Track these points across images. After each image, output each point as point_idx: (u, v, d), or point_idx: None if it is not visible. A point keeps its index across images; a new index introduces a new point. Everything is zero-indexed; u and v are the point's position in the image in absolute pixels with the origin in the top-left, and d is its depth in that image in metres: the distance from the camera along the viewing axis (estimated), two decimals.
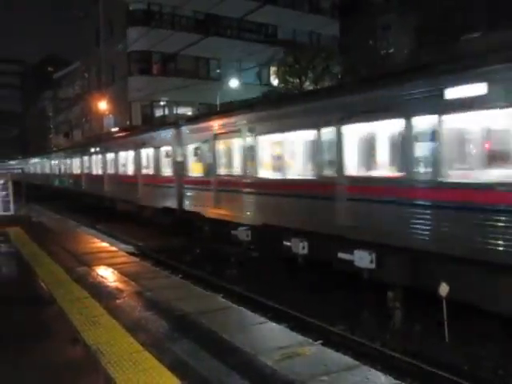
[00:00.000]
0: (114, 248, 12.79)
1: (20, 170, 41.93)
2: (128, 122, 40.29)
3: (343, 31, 45.11)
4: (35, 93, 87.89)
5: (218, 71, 42.18)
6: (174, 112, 38.54)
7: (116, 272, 9.25)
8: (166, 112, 40.03)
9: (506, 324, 7.64)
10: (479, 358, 7.61)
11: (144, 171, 21.39)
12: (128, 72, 41.00)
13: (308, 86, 35.44)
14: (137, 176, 21.85)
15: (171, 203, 18.33)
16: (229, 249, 14.92)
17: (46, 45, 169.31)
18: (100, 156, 28.53)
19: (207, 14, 38.05)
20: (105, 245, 13.08)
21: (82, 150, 33.08)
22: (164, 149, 19.25)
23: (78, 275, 9.02)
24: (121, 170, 24.76)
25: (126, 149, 23.70)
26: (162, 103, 40.68)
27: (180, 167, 17.66)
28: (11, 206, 20.22)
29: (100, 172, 28.36)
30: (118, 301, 7.32)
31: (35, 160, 56.30)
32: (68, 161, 37.32)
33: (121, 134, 27.58)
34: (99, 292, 7.80)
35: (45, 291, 8.01)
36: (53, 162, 44.25)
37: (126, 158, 23.72)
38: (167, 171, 19.11)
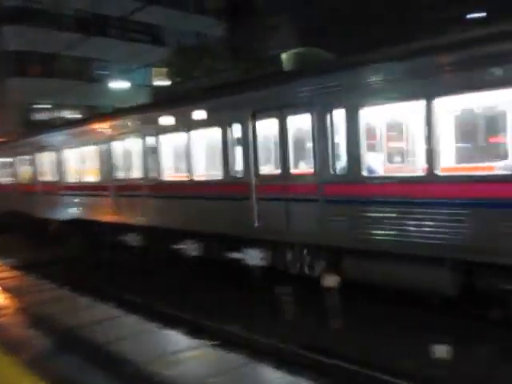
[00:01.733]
0: None
1: None
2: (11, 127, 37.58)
3: (233, 32, 45.45)
4: None
5: (104, 73, 40.71)
6: (58, 115, 36.60)
7: None
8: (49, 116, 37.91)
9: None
10: (372, 345, 7.84)
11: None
12: (5, 73, 38.26)
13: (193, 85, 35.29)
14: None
15: None
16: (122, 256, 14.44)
17: None
18: None
19: (92, 13, 36.66)
20: None
21: None
22: None
23: None
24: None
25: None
26: (44, 106, 38.43)
27: None
28: None
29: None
30: None
31: None
32: None
33: None
34: None
35: None
36: None
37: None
38: None
